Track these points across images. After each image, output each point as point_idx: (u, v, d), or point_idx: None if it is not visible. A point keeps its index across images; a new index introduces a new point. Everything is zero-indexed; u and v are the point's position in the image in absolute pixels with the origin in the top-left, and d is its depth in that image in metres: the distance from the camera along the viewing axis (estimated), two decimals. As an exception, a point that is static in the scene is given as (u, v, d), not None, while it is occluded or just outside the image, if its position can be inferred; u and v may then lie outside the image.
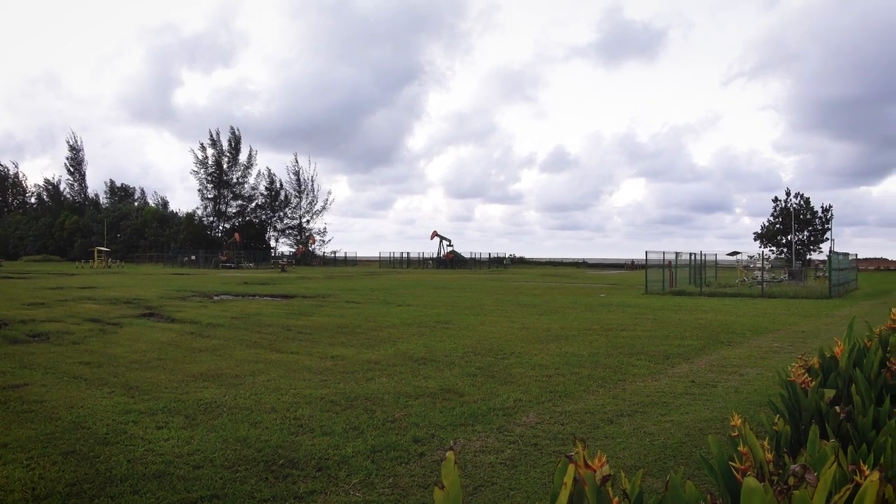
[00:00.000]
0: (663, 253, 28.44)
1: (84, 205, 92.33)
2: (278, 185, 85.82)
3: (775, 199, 68.25)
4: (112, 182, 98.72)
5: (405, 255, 75.45)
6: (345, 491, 3.97)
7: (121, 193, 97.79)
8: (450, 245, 73.10)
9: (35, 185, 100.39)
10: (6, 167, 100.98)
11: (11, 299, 18.07)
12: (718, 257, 37.78)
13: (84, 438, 4.96)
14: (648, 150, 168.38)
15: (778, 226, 66.74)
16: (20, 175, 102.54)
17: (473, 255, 73.76)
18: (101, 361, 8.38)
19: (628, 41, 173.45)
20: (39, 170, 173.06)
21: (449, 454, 1.05)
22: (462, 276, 43.85)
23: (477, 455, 4.65)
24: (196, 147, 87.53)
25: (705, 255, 31.95)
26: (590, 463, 1.43)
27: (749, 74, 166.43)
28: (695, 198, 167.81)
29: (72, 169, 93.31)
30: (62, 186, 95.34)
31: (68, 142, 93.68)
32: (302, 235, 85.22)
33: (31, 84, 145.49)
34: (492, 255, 74.52)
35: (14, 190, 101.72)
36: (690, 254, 30.92)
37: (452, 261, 70.36)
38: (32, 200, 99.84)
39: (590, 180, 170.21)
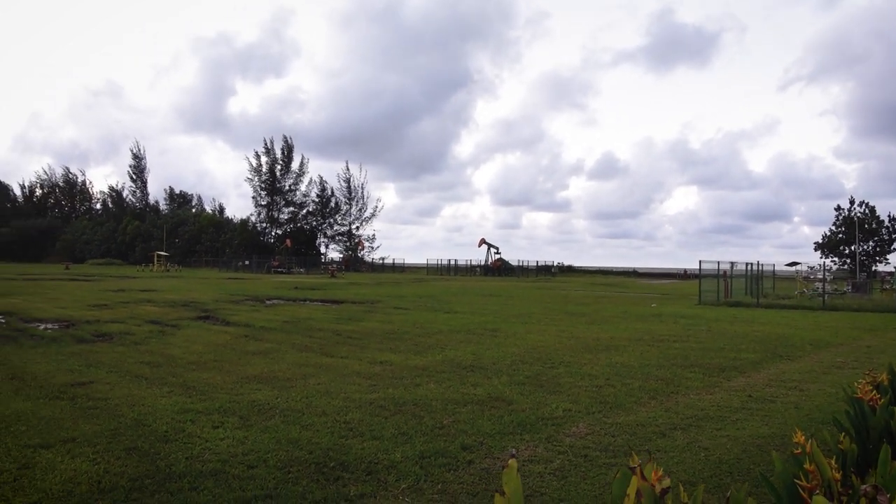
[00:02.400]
0: (718, 262, 27.63)
1: (145, 211, 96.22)
2: (329, 193, 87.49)
3: (838, 208, 65.33)
4: (171, 189, 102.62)
5: (452, 263, 75.61)
6: (394, 495, 4.00)
7: (179, 200, 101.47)
8: (497, 253, 72.94)
9: (100, 192, 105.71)
10: (75, 175, 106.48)
11: (78, 301, 18.96)
12: (776, 268, 36.51)
13: (145, 435, 5.16)
14: (701, 156, 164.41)
15: (840, 235, 63.85)
16: (87, 182, 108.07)
17: (521, 263, 73.36)
18: (161, 362, 8.70)
19: (679, 45, 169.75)
20: (103, 177, 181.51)
21: (511, 462, 1.05)
22: (510, 284, 43.65)
23: (525, 464, 4.62)
24: (248, 155, 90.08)
25: (762, 265, 30.89)
26: (646, 475, 1.41)
27: (808, 78, 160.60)
28: (750, 206, 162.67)
29: (134, 176, 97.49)
30: (125, 193, 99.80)
31: (132, 150, 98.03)
32: (351, 242, 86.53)
33: (95, 96, 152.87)
34: (539, 264, 73.99)
35: (81, 196, 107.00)
36: (747, 264, 29.96)
37: (500, 268, 70.11)
38: (98, 207, 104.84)
39: (640, 188, 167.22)
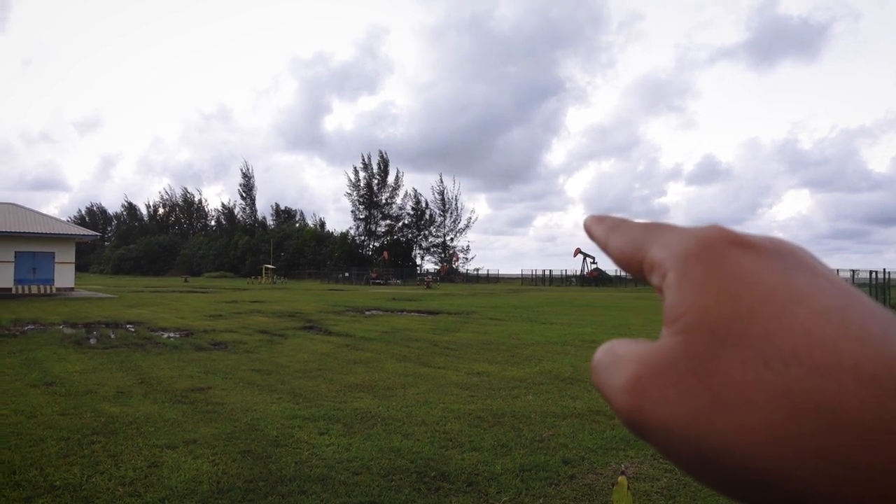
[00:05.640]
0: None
1: (254, 226, 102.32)
2: (423, 205, 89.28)
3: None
4: (277, 205, 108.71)
5: (547, 273, 74.67)
6: (495, 508, 3.99)
7: (284, 216, 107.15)
8: (594, 262, 71.24)
9: (214, 210, 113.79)
10: (192, 194, 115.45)
11: (196, 311, 20.39)
12: (908, 275, 33.24)
13: (258, 439, 5.46)
14: (814, 157, 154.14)
15: None
16: (203, 201, 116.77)
17: (618, 273, 71.20)
18: (270, 369, 9.17)
19: (784, 39, 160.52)
20: (215, 195, 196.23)
21: (621, 479, 1.03)
22: (607, 295, 42.48)
23: (630, 482, 4.45)
24: (345, 170, 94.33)
25: (889, 272, 28.25)
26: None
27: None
28: (872, 209, 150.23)
29: (244, 194, 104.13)
30: (236, 210, 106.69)
31: (241, 169, 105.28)
32: (446, 253, 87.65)
33: (206, 119, 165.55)
34: (639, 273, 71.32)
35: (198, 214, 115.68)
36: (871, 272, 27.51)
37: (596, 278, 68.43)
38: (212, 223, 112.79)
39: (745, 192, 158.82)
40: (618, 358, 0.24)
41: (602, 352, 0.26)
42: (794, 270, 0.22)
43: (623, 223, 0.29)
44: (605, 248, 0.30)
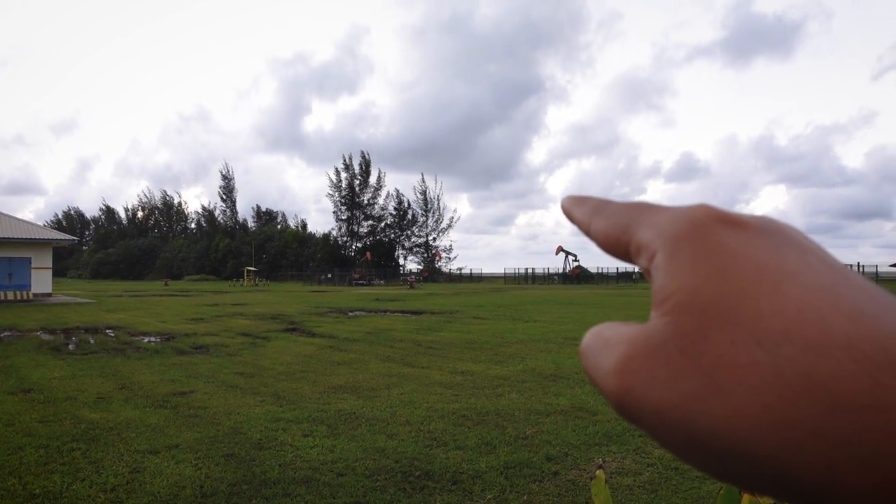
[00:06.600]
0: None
1: (235, 229, 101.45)
2: (406, 205, 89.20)
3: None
4: (258, 207, 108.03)
5: (530, 271, 74.98)
6: (480, 506, 4.01)
7: (265, 217, 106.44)
8: (576, 260, 71.69)
9: (194, 212, 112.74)
10: (171, 197, 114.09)
11: (178, 315, 20.18)
12: (879, 269, 33.96)
13: (241, 443, 5.43)
14: (789, 153, 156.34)
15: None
16: (182, 203, 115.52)
17: (600, 271, 71.74)
18: (253, 372, 9.11)
19: (757, 36, 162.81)
20: (195, 197, 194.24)
21: (599, 473, 1.05)
22: (589, 292, 42.77)
23: (614, 477, 4.51)
24: (326, 171, 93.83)
25: (863, 266, 28.78)
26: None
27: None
28: (846, 204, 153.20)
29: (224, 196, 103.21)
30: (217, 213, 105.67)
31: (221, 172, 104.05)
32: (429, 253, 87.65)
33: (185, 121, 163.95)
34: (620, 270, 72.07)
35: (178, 217, 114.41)
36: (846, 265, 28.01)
37: (579, 276, 68.86)
38: (192, 226, 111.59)
39: (723, 189, 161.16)
40: (606, 341, 0.24)
41: (590, 336, 0.25)
42: (784, 248, 0.22)
43: (606, 205, 0.28)
44: (586, 230, 0.28)
